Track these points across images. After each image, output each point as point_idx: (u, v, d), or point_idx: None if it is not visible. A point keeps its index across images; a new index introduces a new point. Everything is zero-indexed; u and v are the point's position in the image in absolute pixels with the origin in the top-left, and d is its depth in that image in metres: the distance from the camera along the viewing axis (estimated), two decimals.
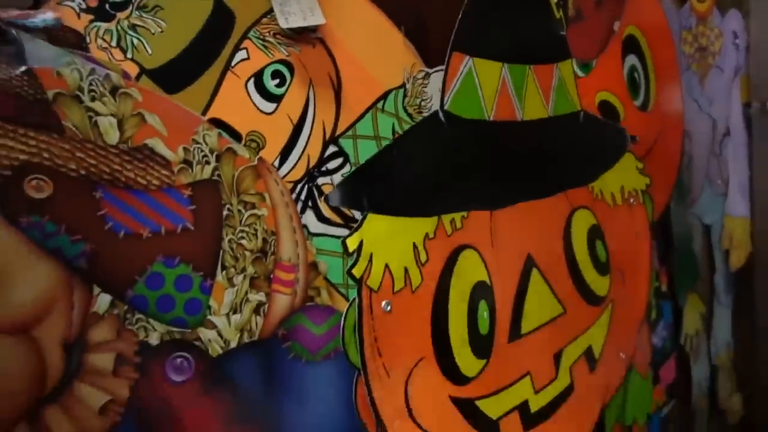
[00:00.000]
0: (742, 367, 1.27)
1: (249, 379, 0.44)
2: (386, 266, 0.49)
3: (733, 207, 1.15)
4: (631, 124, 0.91)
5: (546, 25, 0.69)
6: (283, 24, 0.46)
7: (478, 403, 0.57)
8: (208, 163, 0.44)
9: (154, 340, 0.40)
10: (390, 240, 0.50)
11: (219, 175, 0.44)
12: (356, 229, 0.48)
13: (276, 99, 0.48)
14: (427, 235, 0.52)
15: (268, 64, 0.48)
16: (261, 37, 0.47)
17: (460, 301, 0.56)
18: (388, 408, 0.49)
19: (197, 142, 0.43)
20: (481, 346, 0.57)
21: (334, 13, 0.50)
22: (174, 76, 0.42)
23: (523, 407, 0.62)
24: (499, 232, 0.60)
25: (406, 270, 0.51)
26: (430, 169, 0.55)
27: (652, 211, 0.89)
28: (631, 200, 0.84)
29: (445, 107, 0.55)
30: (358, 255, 0.47)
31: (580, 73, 0.84)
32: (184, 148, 0.42)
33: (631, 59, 0.94)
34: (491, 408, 0.58)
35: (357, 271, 0.47)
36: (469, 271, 0.57)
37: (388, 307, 0.49)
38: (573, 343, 0.70)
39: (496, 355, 0.59)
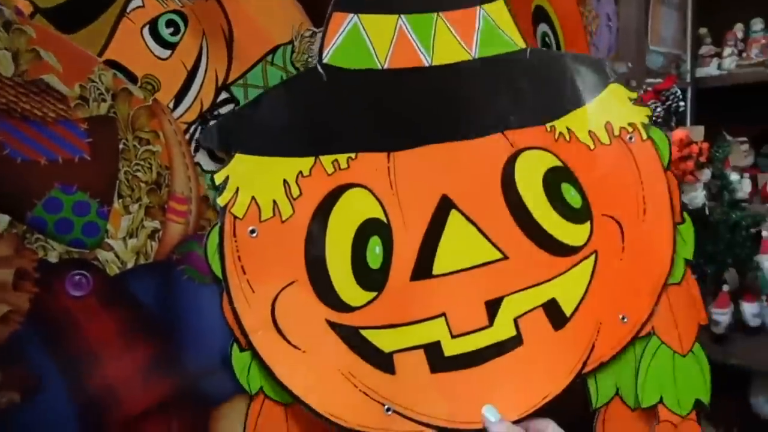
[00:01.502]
0: None
1: (147, 296, 0.51)
2: (253, 198, 0.54)
3: None
4: None
5: None
6: None
7: (364, 332, 0.58)
8: (104, 100, 0.48)
9: (53, 258, 0.45)
10: (257, 176, 0.55)
11: (115, 113, 0.48)
12: (224, 166, 0.54)
13: (171, 46, 0.53)
14: (300, 173, 0.56)
15: (163, 13, 0.52)
16: None
17: (343, 234, 0.57)
18: (251, 319, 0.54)
19: (93, 81, 0.47)
20: (371, 279, 0.58)
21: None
22: (68, 16, 0.46)
23: (432, 348, 0.60)
24: (403, 174, 0.60)
25: (274, 202, 0.55)
26: (302, 114, 0.58)
27: (666, 152, 0.76)
28: (628, 137, 0.73)
29: (324, 61, 0.58)
30: (224, 187, 0.53)
31: None
32: (81, 86, 0.47)
33: (543, 27, 1.04)
34: (382, 340, 0.59)
35: (221, 201, 0.53)
36: (357, 208, 0.58)
37: (254, 233, 0.54)
38: (521, 293, 0.64)
39: (393, 291, 0.59)
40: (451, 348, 0.61)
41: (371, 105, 0.61)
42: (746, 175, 1.80)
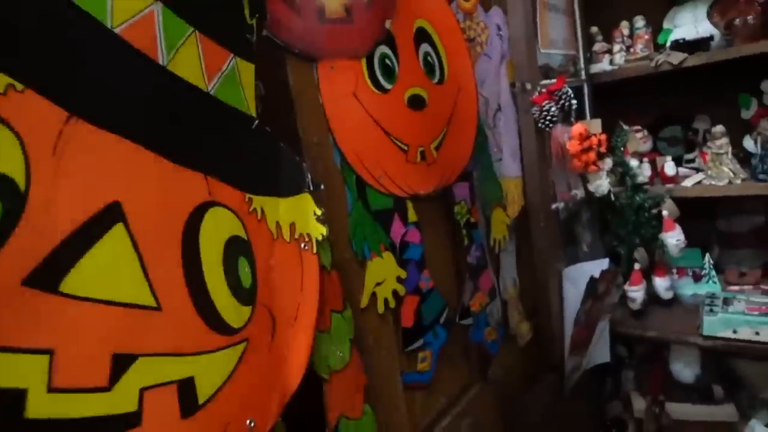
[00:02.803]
0: (528, 300, 1.54)
1: None
2: None
3: (507, 169, 1.39)
4: (433, 98, 1.09)
5: (232, 15, 0.68)
6: None
7: None
8: None
9: None
10: None
11: None
12: None
13: None
14: None
15: None
16: None
17: None
18: None
19: None
20: None
21: None
22: None
23: (10, 397, 0.41)
24: (78, 148, 0.48)
25: None
26: None
27: (329, 257, 0.81)
28: (303, 245, 0.75)
29: None
30: None
31: (387, 85, 0.96)
32: None
33: (425, 47, 1.11)
34: None
35: None
36: None
37: None
38: (159, 357, 0.52)
39: None
40: (40, 406, 0.42)
41: (72, 50, 0.49)
42: (645, 159, 1.94)
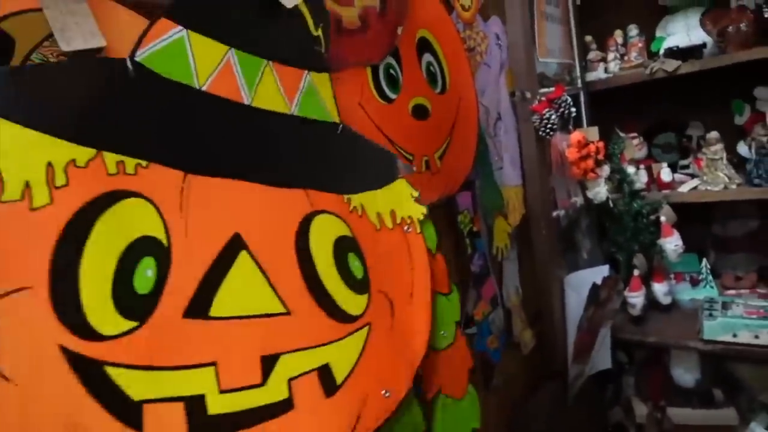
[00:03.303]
0: (530, 308, 1.54)
1: None
2: None
3: (508, 178, 1.40)
4: (435, 108, 1.08)
5: (298, 33, 0.71)
6: (65, 47, 0.50)
7: (109, 370, 0.47)
8: None
9: None
10: (13, 148, 0.45)
11: None
12: None
13: None
14: (73, 161, 0.47)
15: None
16: (44, 58, 0.52)
17: (110, 244, 0.49)
18: None
19: None
20: (134, 305, 0.50)
21: (116, 34, 0.55)
22: None
23: (194, 402, 0.52)
24: (198, 199, 0.56)
25: (27, 184, 0.45)
26: (94, 100, 0.50)
27: (436, 241, 0.86)
28: (406, 227, 0.80)
29: (135, 59, 0.54)
30: None
31: (392, 95, 0.97)
32: None
33: (427, 57, 1.11)
34: (132, 384, 0.48)
35: None
36: (135, 220, 0.51)
37: None
38: (299, 352, 0.61)
39: (160, 326, 0.51)
40: (217, 405, 0.53)
41: (178, 119, 0.56)
42: (642, 166, 1.96)
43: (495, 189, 1.36)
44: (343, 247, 0.70)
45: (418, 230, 0.82)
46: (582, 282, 1.48)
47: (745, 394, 1.72)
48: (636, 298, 1.75)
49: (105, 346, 0.47)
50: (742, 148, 1.82)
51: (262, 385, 0.57)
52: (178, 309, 0.53)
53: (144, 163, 0.52)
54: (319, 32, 0.73)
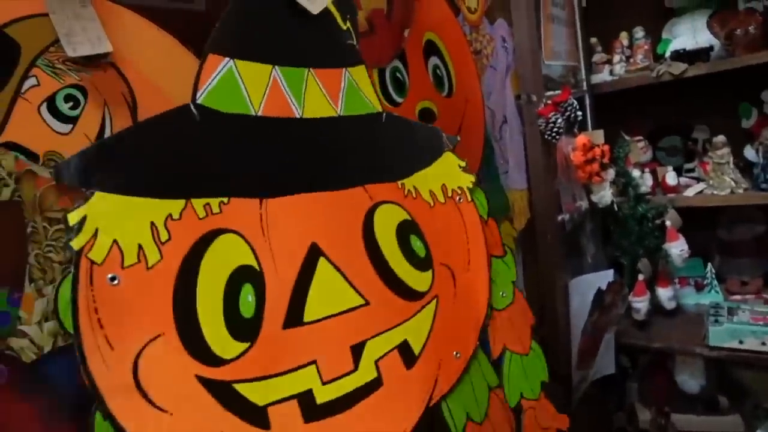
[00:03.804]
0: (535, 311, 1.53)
1: (67, 379, 0.48)
2: (114, 241, 0.49)
3: (513, 182, 1.38)
4: (442, 111, 1.07)
5: (329, 33, 0.71)
6: (71, 53, 0.50)
7: (237, 386, 0.55)
8: (6, 185, 0.47)
9: None
10: (120, 217, 0.50)
11: (20, 196, 0.47)
12: (80, 205, 0.48)
13: (71, 120, 0.52)
14: (170, 215, 0.52)
15: (60, 89, 0.52)
16: (50, 64, 0.51)
17: (215, 282, 0.55)
18: (109, 381, 0.47)
19: None
20: (243, 329, 0.56)
21: (122, 39, 0.55)
22: None
23: (305, 397, 0.60)
24: (274, 221, 0.60)
25: (140, 247, 0.50)
26: (172, 154, 0.54)
27: (487, 208, 0.91)
28: (458, 198, 0.85)
29: (198, 101, 0.56)
30: (80, 229, 0.47)
31: (398, 99, 0.94)
32: None
33: (434, 60, 1.10)
34: (256, 394, 0.56)
35: (76, 244, 0.47)
36: (229, 254, 0.56)
37: (116, 281, 0.48)
38: (380, 336, 0.68)
39: (266, 341, 0.58)
40: (323, 395, 0.61)
41: (245, 150, 0.60)
42: (647, 170, 1.94)
43: (501, 193, 1.34)
44: (405, 231, 0.75)
45: (469, 198, 0.86)
46: (587, 286, 1.47)
47: (751, 400, 1.70)
48: (640, 303, 1.73)
49: (229, 368, 0.55)
50: (749, 152, 1.80)
51: (355, 370, 0.65)
52: (278, 323, 0.59)
53: (225, 200, 0.57)
54: (348, 25, 0.72)
